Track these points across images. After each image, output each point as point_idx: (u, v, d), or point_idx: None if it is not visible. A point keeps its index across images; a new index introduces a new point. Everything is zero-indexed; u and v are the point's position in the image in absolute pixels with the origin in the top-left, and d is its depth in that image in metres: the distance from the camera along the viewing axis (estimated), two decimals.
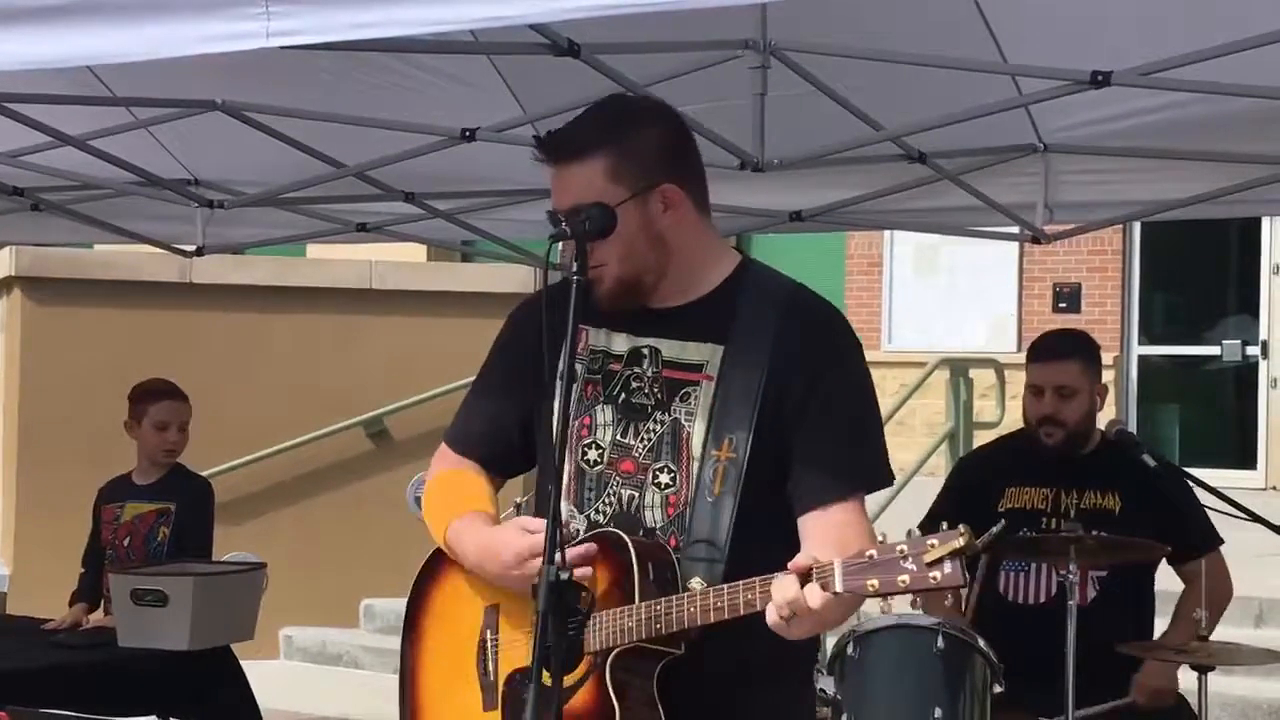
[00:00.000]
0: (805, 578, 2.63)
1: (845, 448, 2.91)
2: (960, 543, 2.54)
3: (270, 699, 5.66)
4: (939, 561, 2.54)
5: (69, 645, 5.31)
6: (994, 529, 4.64)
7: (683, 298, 2.97)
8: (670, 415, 2.92)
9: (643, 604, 2.79)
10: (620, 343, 2.96)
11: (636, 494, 2.93)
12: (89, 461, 6.82)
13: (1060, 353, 4.88)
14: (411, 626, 3.18)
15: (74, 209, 6.26)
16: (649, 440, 2.94)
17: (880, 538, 2.63)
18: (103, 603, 5.51)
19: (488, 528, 3.01)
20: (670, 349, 2.95)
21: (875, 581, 2.58)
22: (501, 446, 3.13)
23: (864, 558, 2.59)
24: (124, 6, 2.72)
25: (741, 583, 2.72)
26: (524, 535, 2.90)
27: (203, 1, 2.65)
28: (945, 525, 2.60)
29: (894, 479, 3.00)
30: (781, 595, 2.63)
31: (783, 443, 2.89)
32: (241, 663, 5.49)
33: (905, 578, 2.56)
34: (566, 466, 2.98)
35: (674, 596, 2.79)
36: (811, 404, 2.88)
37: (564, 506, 2.99)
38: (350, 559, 9.18)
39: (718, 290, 2.97)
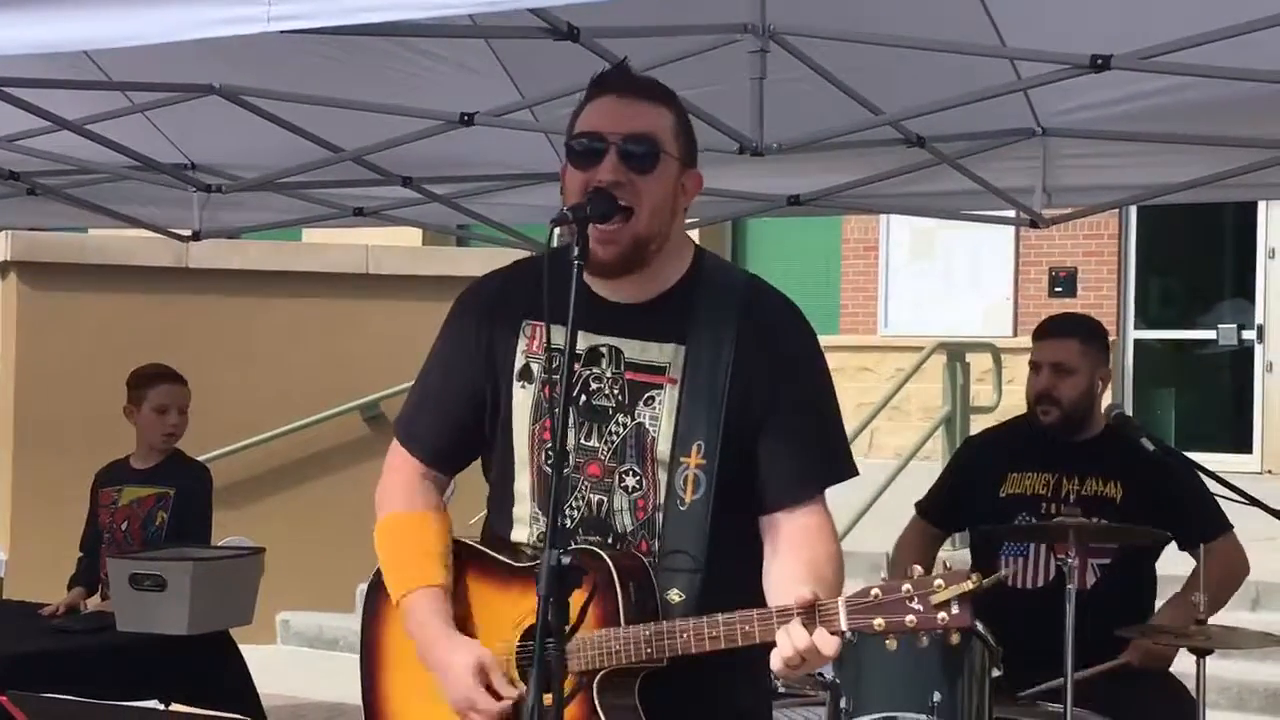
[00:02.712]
0: (808, 614, 2.60)
1: (810, 447, 2.91)
2: (969, 586, 2.52)
3: (267, 684, 5.66)
4: (947, 604, 2.53)
5: (68, 630, 5.31)
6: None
7: (644, 294, 2.94)
8: (634, 419, 2.90)
9: (629, 628, 2.77)
10: (578, 340, 2.85)
11: (605, 498, 2.91)
12: (85, 446, 6.82)
13: (1059, 331, 4.91)
14: (369, 637, 3.13)
15: (70, 193, 6.25)
16: (612, 443, 2.91)
17: (883, 577, 2.60)
18: (101, 587, 5.51)
19: (442, 635, 2.93)
20: (632, 350, 2.92)
21: (881, 621, 2.57)
22: (453, 439, 3.09)
23: (869, 597, 2.58)
24: None
25: (739, 614, 2.70)
26: (479, 690, 2.85)
27: None
28: (946, 564, 2.57)
29: (857, 470, 2.99)
30: (792, 646, 2.60)
31: (749, 444, 2.89)
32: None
33: (912, 618, 2.55)
34: (529, 469, 2.96)
35: (663, 625, 2.76)
36: (776, 403, 2.88)
37: (527, 509, 2.98)
38: (346, 543, 9.09)
39: (676, 287, 2.95)
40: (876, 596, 2.58)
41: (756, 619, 2.68)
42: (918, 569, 2.60)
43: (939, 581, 2.54)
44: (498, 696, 2.86)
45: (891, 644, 2.63)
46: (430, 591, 2.97)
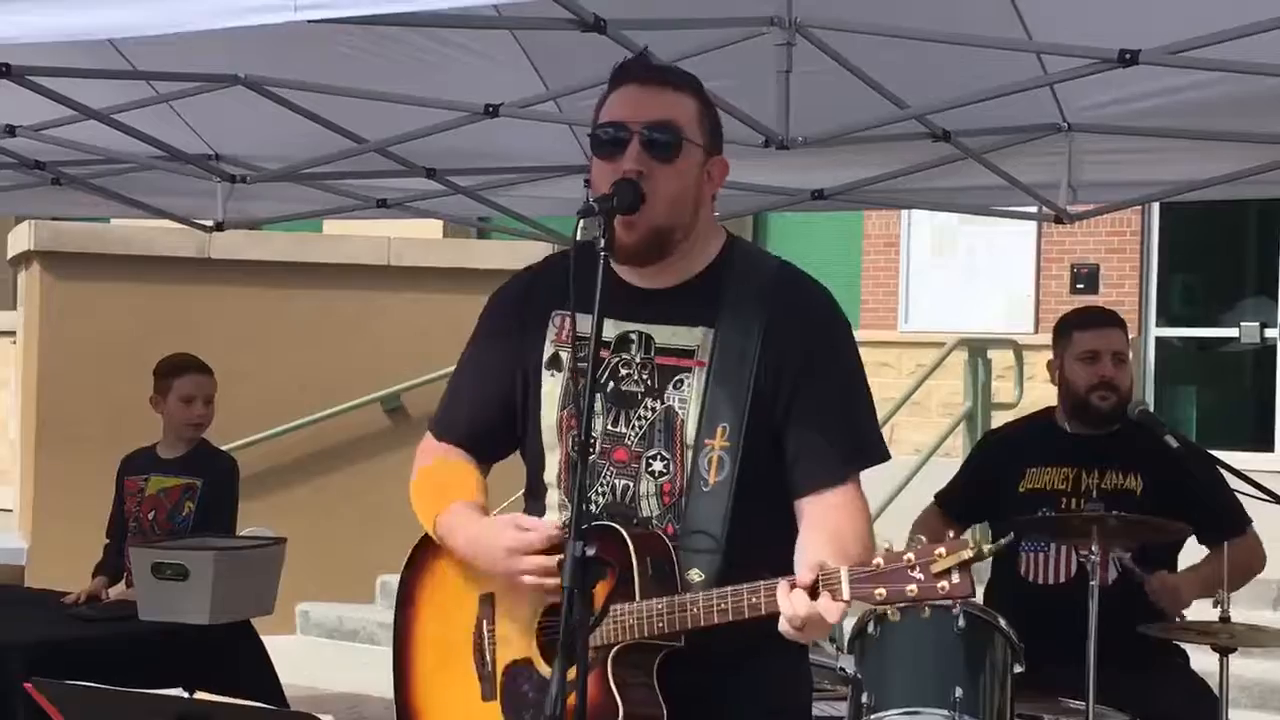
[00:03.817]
0: (814, 589, 2.61)
1: (840, 433, 2.90)
2: (969, 554, 2.52)
3: (286, 674, 5.66)
4: (947, 572, 2.53)
5: (90, 618, 5.32)
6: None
7: (676, 278, 2.94)
8: (664, 403, 2.90)
9: (643, 603, 2.78)
10: (606, 328, 2.89)
11: (631, 483, 2.91)
12: (107, 435, 6.84)
13: (1112, 320, 4.96)
14: (404, 612, 3.15)
15: (95, 183, 6.26)
16: (640, 428, 2.91)
17: (886, 545, 2.60)
18: (125, 576, 5.53)
19: (478, 519, 2.98)
20: (662, 334, 2.93)
21: (883, 590, 2.57)
22: (486, 434, 3.10)
23: (871, 566, 2.58)
24: None
25: (746, 586, 2.71)
26: (515, 531, 2.87)
27: None
28: (952, 534, 2.57)
29: (889, 454, 2.98)
30: (794, 610, 2.62)
31: (777, 427, 2.89)
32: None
33: (913, 588, 2.55)
34: (557, 456, 2.98)
35: (675, 598, 2.77)
36: (805, 390, 2.88)
37: (556, 496, 2.99)
38: (366, 535, 9.19)
39: (707, 271, 2.95)
40: (878, 566, 2.57)
41: (763, 590, 2.68)
42: (923, 539, 2.60)
43: (940, 550, 2.54)
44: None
45: (895, 615, 2.63)
46: (460, 504, 3.00)
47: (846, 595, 2.59)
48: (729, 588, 2.74)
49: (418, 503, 3.09)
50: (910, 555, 2.56)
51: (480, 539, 2.94)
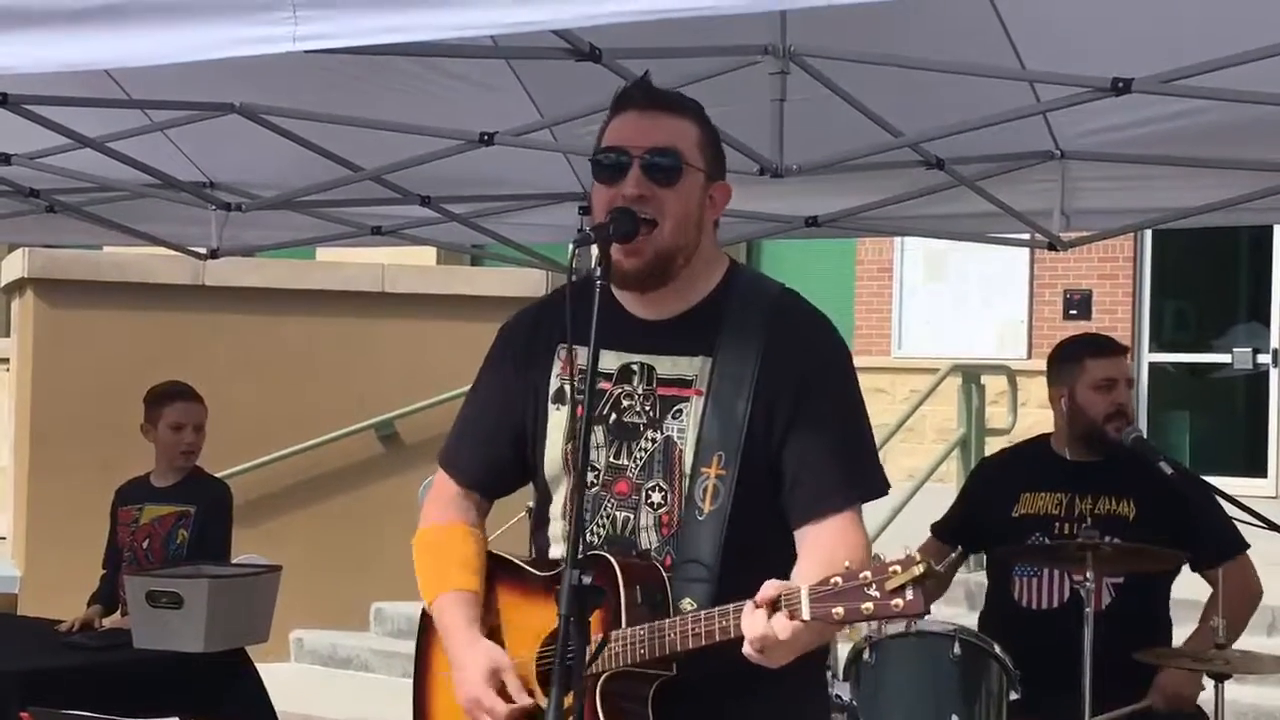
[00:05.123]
0: (774, 607, 2.61)
1: (839, 460, 2.89)
2: (919, 570, 2.53)
3: (280, 702, 5.66)
4: (901, 589, 2.53)
5: (85, 646, 5.31)
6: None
7: (676, 308, 2.95)
8: (663, 433, 2.90)
9: (627, 629, 2.78)
10: (609, 360, 2.92)
11: (631, 515, 2.91)
12: (101, 463, 6.84)
13: (1123, 348, 5.01)
14: (423, 648, 3.16)
15: (89, 210, 6.26)
16: (641, 459, 2.92)
17: (844, 566, 2.60)
18: (120, 606, 5.52)
19: (464, 637, 2.96)
20: (663, 365, 2.93)
21: (840, 610, 2.57)
22: (494, 468, 3.11)
23: (829, 585, 2.58)
24: (149, 10, 2.71)
25: (717, 610, 2.71)
26: (489, 687, 2.86)
27: (229, 5, 2.65)
28: (907, 550, 2.58)
29: (889, 487, 2.97)
30: (750, 630, 2.62)
31: (774, 456, 2.88)
32: None
33: (869, 605, 2.55)
34: (563, 489, 2.98)
35: (655, 623, 2.77)
36: (802, 416, 2.87)
37: (559, 528, 2.99)
38: (361, 562, 9.19)
39: (707, 300, 2.96)
40: (836, 584, 2.58)
41: (731, 613, 2.68)
42: (882, 556, 2.61)
43: (895, 567, 2.55)
44: (509, 700, 2.86)
45: (849, 633, 2.64)
46: (459, 594, 3.00)
47: (806, 615, 2.59)
48: (703, 611, 2.74)
49: (420, 569, 3.10)
50: (867, 573, 2.57)
51: (459, 669, 2.94)
